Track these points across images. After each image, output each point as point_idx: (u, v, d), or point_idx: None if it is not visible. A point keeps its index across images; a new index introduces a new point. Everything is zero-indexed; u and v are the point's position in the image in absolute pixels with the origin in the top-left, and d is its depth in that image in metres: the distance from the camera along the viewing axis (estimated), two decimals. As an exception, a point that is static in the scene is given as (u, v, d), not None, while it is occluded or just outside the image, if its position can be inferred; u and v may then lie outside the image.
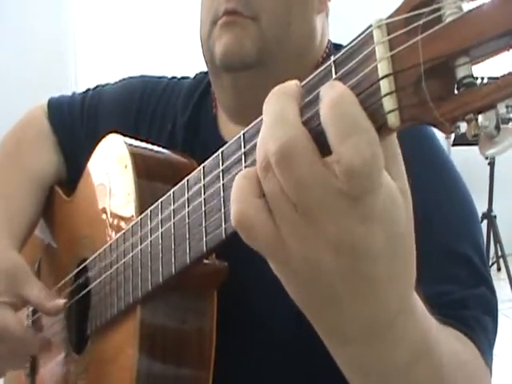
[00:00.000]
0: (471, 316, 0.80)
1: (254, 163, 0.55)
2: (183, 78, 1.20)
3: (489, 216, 4.59)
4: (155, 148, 1.01)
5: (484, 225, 4.49)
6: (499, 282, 4.41)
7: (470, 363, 0.74)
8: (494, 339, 0.84)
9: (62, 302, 1.03)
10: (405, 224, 0.51)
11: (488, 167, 4.63)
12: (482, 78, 0.43)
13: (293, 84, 0.52)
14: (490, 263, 4.58)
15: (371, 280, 0.50)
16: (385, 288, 0.51)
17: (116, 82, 1.25)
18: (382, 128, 0.45)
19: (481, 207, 4.26)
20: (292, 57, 0.96)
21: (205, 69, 1.07)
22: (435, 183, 0.89)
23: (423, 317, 0.59)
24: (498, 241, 4.63)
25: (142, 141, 1.01)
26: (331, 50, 1.03)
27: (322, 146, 0.47)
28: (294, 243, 0.49)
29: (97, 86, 1.27)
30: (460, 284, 0.83)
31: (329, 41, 1.04)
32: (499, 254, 4.65)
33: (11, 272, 1.05)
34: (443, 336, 0.65)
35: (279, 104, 0.50)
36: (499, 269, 4.75)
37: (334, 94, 0.46)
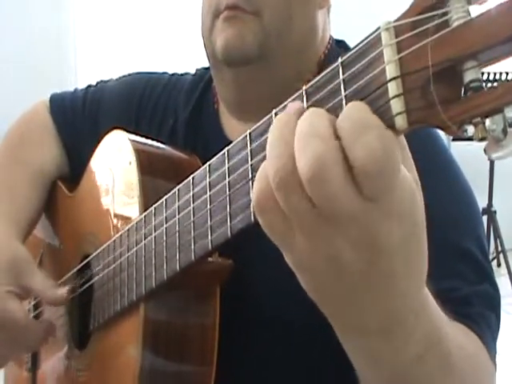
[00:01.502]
0: (475, 312, 0.81)
1: (260, 162, 0.55)
2: (184, 74, 1.20)
3: (489, 211, 4.60)
4: (159, 145, 1.01)
5: (484, 220, 4.49)
6: (499, 277, 4.41)
7: (477, 356, 0.75)
8: (497, 334, 0.85)
9: (65, 291, 1.03)
10: (421, 216, 0.52)
11: (488, 162, 4.63)
12: (490, 82, 0.43)
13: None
14: (490, 259, 4.57)
15: (389, 274, 0.51)
16: (400, 283, 0.52)
17: (118, 78, 1.25)
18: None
19: (481, 202, 4.25)
20: (293, 52, 0.96)
21: (206, 64, 1.07)
22: (438, 180, 0.89)
23: (434, 310, 0.61)
24: (498, 236, 4.64)
25: (143, 137, 1.01)
26: (333, 46, 1.03)
27: None
28: (314, 243, 0.50)
29: (99, 82, 1.27)
30: (464, 280, 0.84)
31: (330, 36, 1.04)
32: (499, 249, 4.65)
33: (15, 262, 1.06)
34: (451, 329, 0.66)
35: (310, 119, 0.49)
36: (499, 264, 4.75)
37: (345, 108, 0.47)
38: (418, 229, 0.52)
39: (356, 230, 0.48)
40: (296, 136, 0.48)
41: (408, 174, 0.49)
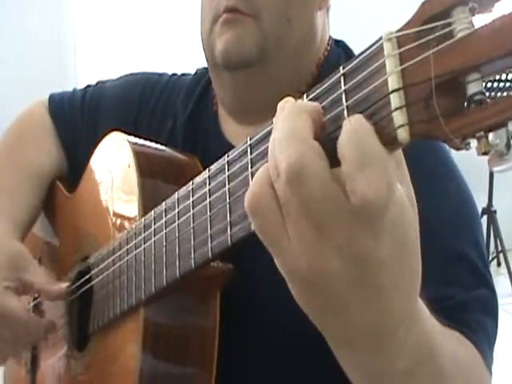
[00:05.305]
0: (472, 318, 0.80)
1: None
2: (184, 74, 1.20)
3: (489, 211, 4.58)
4: (158, 146, 1.01)
5: (484, 220, 4.48)
6: (499, 276, 4.40)
7: (471, 366, 0.74)
8: (495, 340, 0.84)
9: (64, 285, 1.05)
10: (412, 234, 0.51)
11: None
12: (494, 95, 0.43)
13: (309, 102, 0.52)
14: (490, 258, 4.57)
15: (376, 288, 0.51)
16: (389, 297, 0.52)
17: (117, 79, 1.24)
18: (391, 142, 0.45)
19: (481, 202, 4.26)
20: (292, 54, 0.96)
21: (205, 64, 1.07)
22: (436, 185, 0.88)
23: (427, 323, 0.60)
24: (497, 236, 4.62)
25: (142, 138, 1.01)
26: (332, 47, 1.03)
27: (335, 155, 0.47)
28: (300, 248, 0.49)
29: (98, 83, 1.26)
30: (461, 286, 0.84)
31: (330, 37, 1.04)
32: (499, 249, 4.64)
33: (14, 258, 1.06)
34: (446, 339, 0.65)
35: (292, 118, 0.49)
36: (499, 264, 4.73)
37: (350, 126, 0.46)
38: (409, 245, 0.51)
39: (342, 239, 0.47)
40: (275, 137, 0.49)
41: (402, 192, 0.49)
